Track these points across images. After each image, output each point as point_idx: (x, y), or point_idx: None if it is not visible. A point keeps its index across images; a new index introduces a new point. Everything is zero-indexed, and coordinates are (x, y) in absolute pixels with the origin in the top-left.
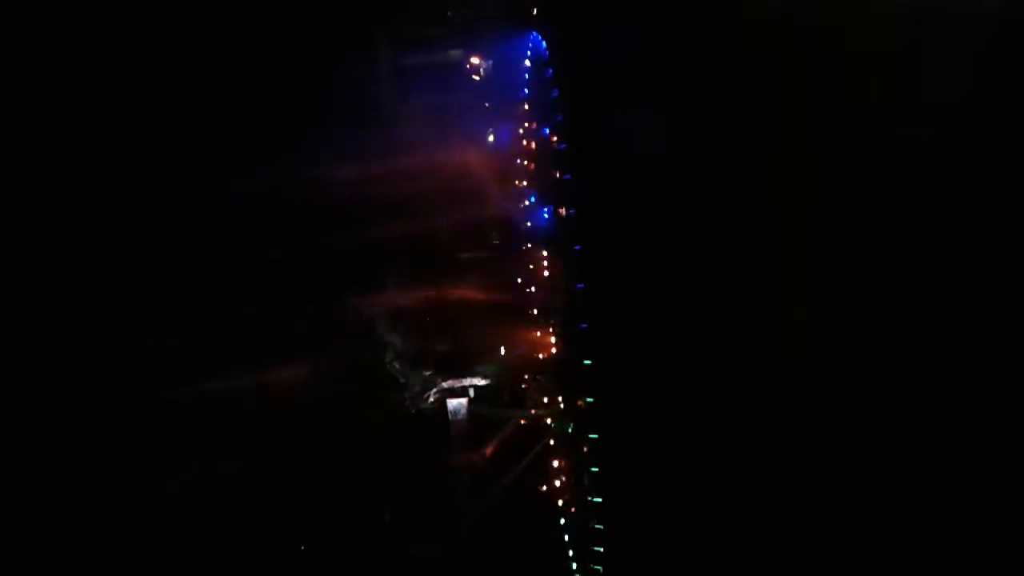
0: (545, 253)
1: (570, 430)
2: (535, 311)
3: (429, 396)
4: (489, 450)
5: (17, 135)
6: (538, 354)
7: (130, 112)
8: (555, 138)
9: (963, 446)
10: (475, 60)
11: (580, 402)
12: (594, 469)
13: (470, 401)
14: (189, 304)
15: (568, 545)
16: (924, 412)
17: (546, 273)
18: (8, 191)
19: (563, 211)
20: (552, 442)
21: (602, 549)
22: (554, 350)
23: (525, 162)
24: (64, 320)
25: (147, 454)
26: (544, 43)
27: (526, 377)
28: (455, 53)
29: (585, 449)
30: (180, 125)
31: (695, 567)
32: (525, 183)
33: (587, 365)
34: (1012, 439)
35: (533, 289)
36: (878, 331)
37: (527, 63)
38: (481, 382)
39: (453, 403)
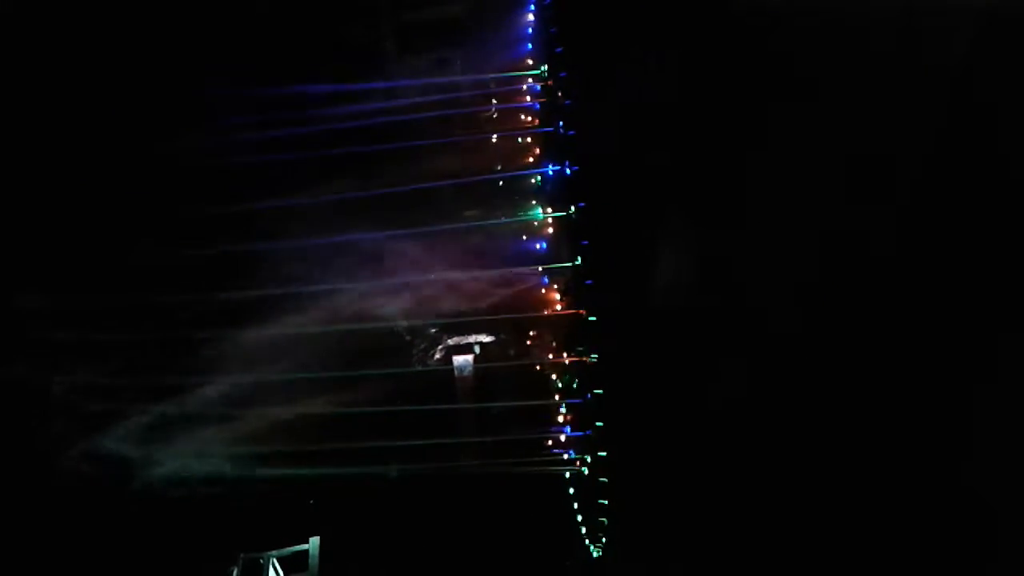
0: (549, 210)
1: (575, 385)
2: (540, 268)
3: (435, 353)
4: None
5: None
6: (543, 310)
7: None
8: (559, 94)
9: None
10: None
11: (585, 358)
12: (599, 424)
13: (475, 358)
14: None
15: (574, 498)
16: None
17: (550, 230)
18: None
19: (567, 167)
20: (557, 397)
21: (607, 502)
22: (559, 306)
23: (529, 118)
24: None
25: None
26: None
27: (532, 333)
28: (460, 7)
29: (590, 404)
30: None
31: (699, 519)
32: (529, 140)
33: (592, 320)
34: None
35: (538, 246)
36: (874, 323)
37: (531, 19)
38: (486, 339)
39: (459, 360)
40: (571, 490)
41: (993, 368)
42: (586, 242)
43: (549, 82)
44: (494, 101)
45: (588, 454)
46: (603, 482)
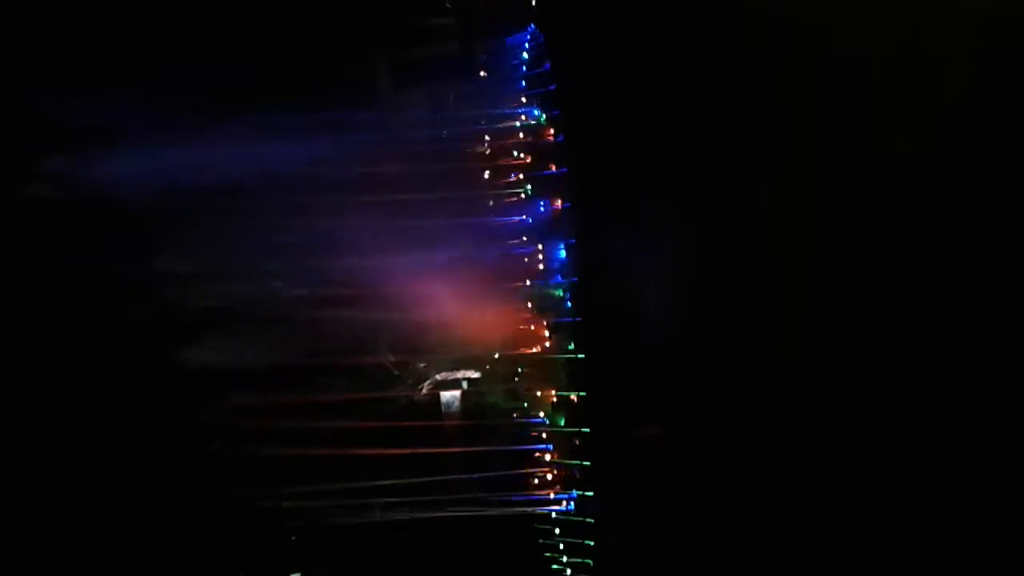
0: (540, 246)
1: (562, 423)
2: (529, 304)
3: (423, 388)
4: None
5: None
6: (531, 347)
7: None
8: (552, 130)
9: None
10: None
11: (572, 396)
12: (586, 463)
13: (463, 393)
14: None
15: (559, 539)
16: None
17: (541, 267)
18: None
19: (559, 204)
20: (544, 435)
21: (593, 543)
22: (547, 343)
23: (521, 154)
24: None
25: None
26: (542, 36)
27: (519, 370)
28: (453, 44)
29: (577, 443)
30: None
31: (687, 562)
32: (521, 176)
33: (580, 359)
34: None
35: (528, 282)
36: (875, 330)
37: (525, 55)
38: (474, 375)
39: (446, 395)
40: (556, 530)
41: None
42: (576, 279)
43: (542, 119)
44: (487, 137)
45: (574, 493)
46: (589, 522)
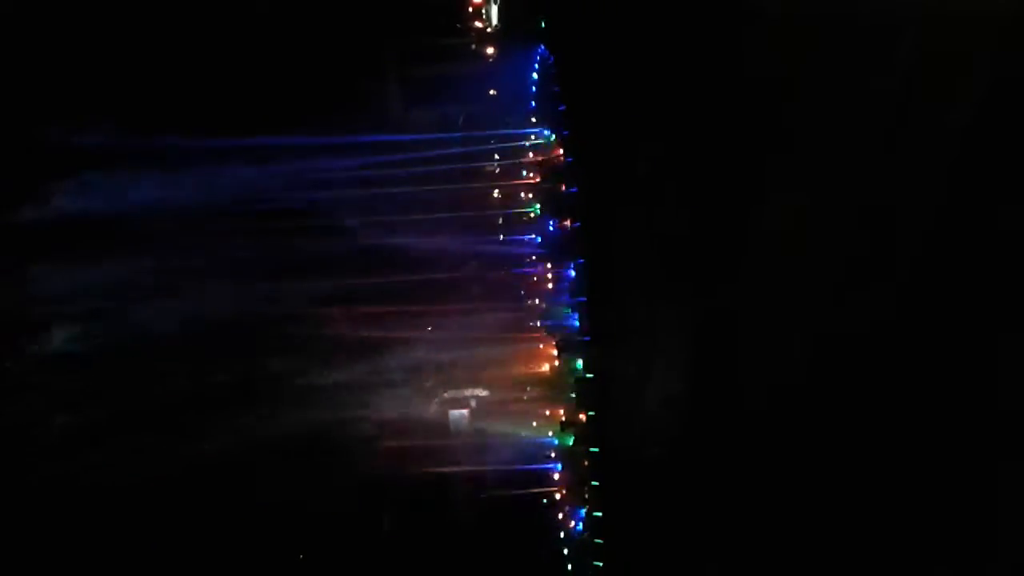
0: (548, 266)
1: (570, 443)
2: (538, 323)
3: (431, 407)
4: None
5: None
6: (539, 366)
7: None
8: (560, 151)
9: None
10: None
11: (581, 415)
12: (594, 483)
13: (471, 413)
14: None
15: (567, 559)
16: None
17: (549, 286)
18: None
19: (567, 224)
20: (553, 455)
21: (601, 564)
22: (556, 363)
23: (530, 175)
24: None
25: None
26: (551, 58)
27: (527, 390)
28: (464, 65)
29: (585, 463)
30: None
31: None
32: (530, 196)
33: (588, 379)
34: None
35: (536, 302)
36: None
37: (534, 77)
38: (482, 393)
39: (454, 414)
40: (565, 550)
41: None
42: (584, 298)
43: (552, 139)
44: (496, 156)
45: (582, 513)
46: (597, 543)
